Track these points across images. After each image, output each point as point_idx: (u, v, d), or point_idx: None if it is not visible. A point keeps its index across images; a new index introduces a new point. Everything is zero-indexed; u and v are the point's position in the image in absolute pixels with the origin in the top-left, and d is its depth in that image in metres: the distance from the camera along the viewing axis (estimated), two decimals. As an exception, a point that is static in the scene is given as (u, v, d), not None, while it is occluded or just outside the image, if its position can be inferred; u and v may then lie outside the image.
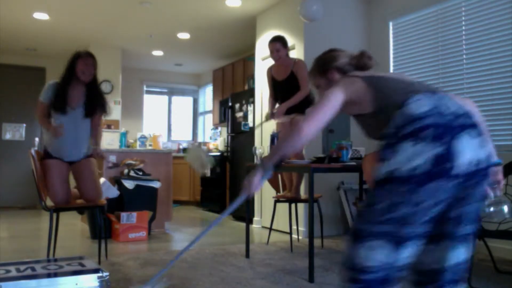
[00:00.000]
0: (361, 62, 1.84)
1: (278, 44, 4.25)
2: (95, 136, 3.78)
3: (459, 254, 1.55)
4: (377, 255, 1.45)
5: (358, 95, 1.64)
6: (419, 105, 1.49)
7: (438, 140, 1.41)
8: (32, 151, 3.48)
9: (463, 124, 1.45)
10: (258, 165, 1.78)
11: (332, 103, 1.64)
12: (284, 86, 4.30)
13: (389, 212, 1.45)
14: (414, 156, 1.41)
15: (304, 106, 4.19)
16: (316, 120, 1.63)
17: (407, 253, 1.47)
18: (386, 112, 1.57)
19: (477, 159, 1.43)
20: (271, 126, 4.70)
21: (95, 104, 3.69)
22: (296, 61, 4.30)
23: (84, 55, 3.64)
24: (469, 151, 1.41)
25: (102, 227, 3.82)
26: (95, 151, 3.74)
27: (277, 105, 4.40)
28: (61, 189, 3.56)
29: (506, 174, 3.40)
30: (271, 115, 4.28)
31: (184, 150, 3.83)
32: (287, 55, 4.32)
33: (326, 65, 1.86)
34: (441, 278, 1.57)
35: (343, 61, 1.84)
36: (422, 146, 1.41)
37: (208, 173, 4.23)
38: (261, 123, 4.59)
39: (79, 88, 3.65)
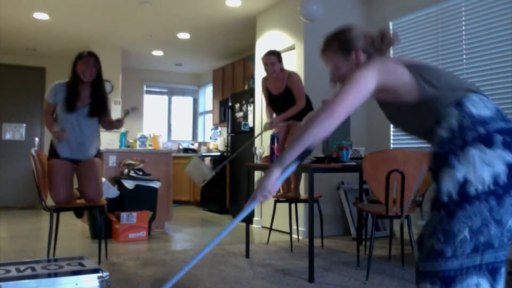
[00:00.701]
0: (384, 43, 1.66)
1: (273, 57, 4.23)
2: (113, 123, 3.86)
3: None
4: None
5: (396, 82, 1.47)
6: (480, 107, 1.36)
7: (509, 147, 1.29)
8: (33, 151, 3.48)
9: None
10: (274, 163, 1.55)
11: (363, 86, 1.46)
12: (280, 100, 4.32)
13: (476, 238, 1.27)
14: (486, 165, 1.27)
15: (301, 114, 4.23)
16: (345, 103, 1.44)
17: (502, 284, 1.30)
18: (435, 105, 1.42)
19: None
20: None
21: (100, 103, 3.72)
22: (290, 74, 4.30)
23: (85, 55, 3.65)
24: None
25: (102, 227, 3.82)
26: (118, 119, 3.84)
27: (274, 115, 4.44)
28: (64, 189, 3.58)
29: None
30: (270, 124, 4.32)
31: (187, 161, 3.88)
32: (281, 69, 4.31)
33: (350, 44, 1.67)
34: None
35: (366, 41, 1.67)
36: (494, 154, 1.27)
37: (206, 180, 4.24)
38: (261, 133, 4.61)
39: (85, 88, 3.68)
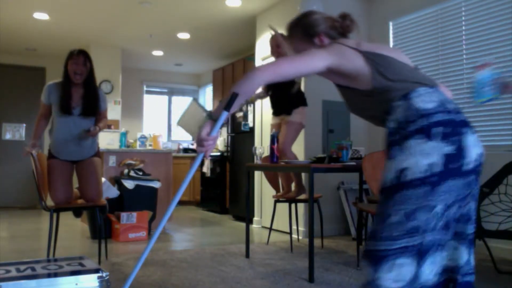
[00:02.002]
0: (344, 25, 1.70)
1: (279, 38, 4.21)
2: (97, 123, 3.71)
3: (465, 255, 1.49)
4: (405, 274, 1.35)
5: (351, 68, 1.52)
6: (425, 100, 1.43)
7: (447, 138, 1.37)
8: (33, 152, 3.48)
9: (464, 120, 1.43)
10: (206, 118, 1.55)
11: (310, 61, 1.49)
12: (276, 87, 4.29)
13: (408, 221, 1.36)
14: (424, 155, 1.36)
15: (291, 108, 4.20)
16: (283, 67, 1.47)
17: (431, 266, 1.38)
18: (386, 96, 1.49)
19: (479, 155, 1.42)
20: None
21: (93, 103, 3.66)
22: None
23: (74, 54, 3.59)
24: (474, 148, 1.40)
25: (102, 227, 3.82)
26: (90, 128, 3.59)
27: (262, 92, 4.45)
28: (63, 189, 3.57)
29: (506, 174, 3.40)
30: (253, 99, 4.33)
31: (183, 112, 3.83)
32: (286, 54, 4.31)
33: (312, 29, 1.70)
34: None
35: (328, 24, 1.70)
36: (432, 145, 1.36)
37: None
38: (247, 104, 4.57)
39: (78, 88, 3.64)
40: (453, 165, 1.36)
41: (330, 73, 1.55)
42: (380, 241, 1.39)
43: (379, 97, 1.51)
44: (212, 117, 1.50)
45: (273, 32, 4.13)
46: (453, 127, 1.39)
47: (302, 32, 1.72)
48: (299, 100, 4.27)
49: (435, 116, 1.40)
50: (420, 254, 1.37)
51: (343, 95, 1.65)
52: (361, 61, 1.52)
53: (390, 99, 1.48)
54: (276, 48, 4.21)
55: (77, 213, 4.03)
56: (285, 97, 4.21)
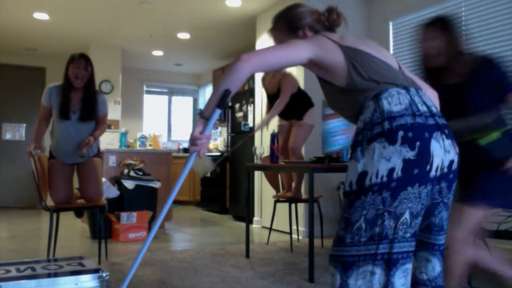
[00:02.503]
0: (330, 19, 1.68)
1: None
2: (94, 131, 3.69)
3: (438, 267, 1.45)
4: (374, 283, 1.32)
5: (329, 62, 1.48)
6: (393, 102, 1.37)
7: (408, 143, 1.30)
8: (34, 152, 3.47)
9: (434, 125, 1.36)
10: (198, 117, 1.52)
11: (291, 52, 1.46)
12: (274, 100, 4.33)
13: (371, 228, 1.32)
14: (385, 159, 1.30)
15: (302, 112, 4.24)
16: (266, 55, 1.44)
17: (402, 279, 1.33)
18: (358, 96, 1.45)
19: (450, 161, 1.36)
20: (271, 126, 4.70)
21: (91, 108, 3.64)
22: (285, 75, 4.30)
23: (76, 58, 3.59)
24: (440, 154, 1.33)
25: (102, 227, 3.82)
26: (85, 140, 3.55)
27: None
28: (62, 189, 3.57)
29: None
30: (261, 124, 4.35)
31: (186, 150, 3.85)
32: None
33: (296, 23, 1.67)
34: None
35: (313, 17, 1.68)
36: (393, 149, 1.30)
37: (208, 173, 4.22)
38: (256, 130, 4.59)
39: (77, 92, 3.63)
40: (414, 171, 1.30)
41: (311, 65, 1.52)
42: (346, 246, 1.36)
43: (353, 96, 1.46)
44: (204, 115, 1.47)
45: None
46: (417, 132, 1.32)
47: (286, 25, 1.69)
48: (308, 102, 4.32)
49: (399, 120, 1.34)
50: (389, 263, 1.32)
51: (322, 88, 1.61)
52: (340, 55, 1.48)
53: (362, 99, 1.44)
54: None
55: (79, 213, 4.04)
56: (294, 104, 4.24)
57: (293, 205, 4.65)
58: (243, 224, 4.29)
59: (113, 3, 5.80)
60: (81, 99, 3.62)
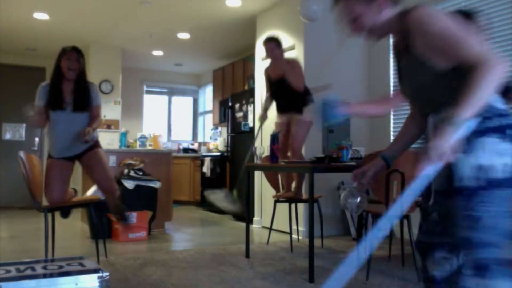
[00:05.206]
0: None
1: (272, 44, 4.27)
2: (90, 123, 3.65)
3: None
4: None
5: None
6: (499, 100, 1.36)
7: None
8: (21, 154, 3.44)
9: None
10: (445, 124, 1.27)
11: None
12: (277, 85, 4.32)
13: (503, 224, 1.26)
14: (499, 155, 1.28)
15: (301, 106, 4.22)
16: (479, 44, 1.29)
17: None
18: (464, 78, 1.29)
19: None
20: (271, 126, 4.70)
21: (84, 98, 3.64)
22: (289, 61, 4.31)
23: (68, 50, 3.60)
24: None
25: (100, 225, 3.82)
26: (84, 129, 3.52)
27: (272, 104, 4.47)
28: (57, 188, 3.56)
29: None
30: (263, 117, 4.35)
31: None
32: (281, 54, 4.33)
33: None
34: None
35: None
36: (507, 146, 1.29)
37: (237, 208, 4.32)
38: (260, 126, 4.58)
39: (69, 84, 3.63)
40: None
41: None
42: (482, 248, 1.27)
43: (458, 77, 1.32)
44: (453, 123, 1.26)
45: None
46: None
47: None
48: (309, 97, 4.29)
49: (506, 118, 1.33)
50: None
51: (417, 70, 1.42)
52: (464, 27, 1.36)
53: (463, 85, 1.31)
54: (271, 51, 4.26)
55: (65, 213, 3.94)
56: (295, 95, 4.21)
57: (293, 205, 4.65)
58: (243, 224, 4.29)
59: (113, 3, 5.80)
60: (73, 90, 3.62)
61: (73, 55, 3.58)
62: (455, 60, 1.33)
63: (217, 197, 4.24)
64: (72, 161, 3.71)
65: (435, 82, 1.40)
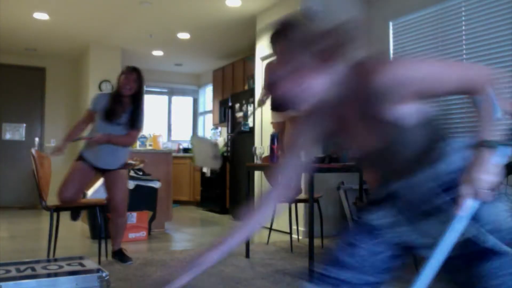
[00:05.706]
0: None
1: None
2: (120, 136, 3.78)
3: None
4: None
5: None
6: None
7: None
8: (33, 151, 3.49)
9: None
10: (478, 146, 1.06)
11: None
12: None
13: None
14: None
15: None
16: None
17: None
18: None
19: None
20: (271, 126, 4.70)
21: (132, 117, 3.80)
22: None
23: (127, 70, 3.82)
24: None
25: (103, 227, 3.82)
26: (97, 136, 3.68)
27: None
28: (72, 189, 3.64)
29: (506, 174, 3.40)
30: (261, 101, 4.33)
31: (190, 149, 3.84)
32: None
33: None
34: None
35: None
36: None
37: (218, 166, 4.21)
38: (255, 109, 4.54)
39: (126, 102, 3.79)
40: None
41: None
42: None
43: (423, 129, 1.22)
44: (490, 144, 1.05)
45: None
46: None
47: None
48: None
49: None
50: None
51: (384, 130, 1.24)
52: None
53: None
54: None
55: (75, 216, 4.04)
56: None
57: (293, 205, 4.65)
58: (243, 224, 4.27)
59: (113, 3, 5.80)
60: (127, 108, 3.78)
61: (131, 76, 3.77)
62: (445, 95, 1.26)
63: (201, 145, 4.21)
64: (98, 171, 3.80)
65: (403, 138, 1.20)
